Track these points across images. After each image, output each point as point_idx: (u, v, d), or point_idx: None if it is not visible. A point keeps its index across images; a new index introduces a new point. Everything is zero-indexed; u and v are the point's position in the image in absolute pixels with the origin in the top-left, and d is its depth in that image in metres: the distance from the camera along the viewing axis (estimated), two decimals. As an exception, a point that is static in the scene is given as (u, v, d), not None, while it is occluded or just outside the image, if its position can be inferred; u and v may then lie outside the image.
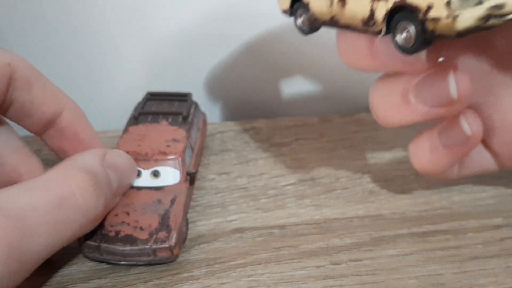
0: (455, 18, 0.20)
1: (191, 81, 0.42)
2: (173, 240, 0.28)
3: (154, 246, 0.27)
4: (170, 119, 0.34)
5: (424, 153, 0.29)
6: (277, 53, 0.41)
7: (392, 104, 0.28)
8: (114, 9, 0.38)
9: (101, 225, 0.28)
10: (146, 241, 0.28)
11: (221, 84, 0.43)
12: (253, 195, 0.34)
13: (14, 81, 0.26)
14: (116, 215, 0.29)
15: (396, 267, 0.29)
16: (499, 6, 0.20)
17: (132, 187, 0.30)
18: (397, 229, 0.31)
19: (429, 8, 0.20)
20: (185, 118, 0.34)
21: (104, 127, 0.39)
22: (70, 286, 0.28)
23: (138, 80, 0.42)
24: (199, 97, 0.42)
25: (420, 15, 0.21)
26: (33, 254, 0.23)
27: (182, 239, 0.29)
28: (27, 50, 0.39)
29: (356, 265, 0.29)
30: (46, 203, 0.23)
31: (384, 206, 0.33)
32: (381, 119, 0.29)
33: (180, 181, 0.31)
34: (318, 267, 0.29)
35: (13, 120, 0.28)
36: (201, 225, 0.32)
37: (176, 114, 0.35)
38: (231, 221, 0.32)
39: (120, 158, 0.30)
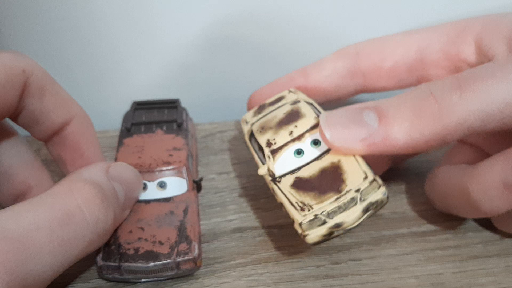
0: (305, 236, 0.25)
1: (190, 82, 0.42)
2: (196, 251, 0.27)
3: (178, 259, 0.27)
4: (164, 128, 0.33)
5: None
6: (280, 55, 0.41)
7: (496, 196, 0.26)
8: (116, 10, 0.38)
9: (117, 244, 0.27)
10: (168, 255, 0.27)
11: (222, 85, 0.43)
12: (253, 195, 0.34)
13: (27, 88, 0.26)
14: (131, 231, 0.28)
15: (396, 267, 0.29)
16: (338, 225, 0.25)
17: (139, 201, 0.29)
18: (396, 228, 0.31)
19: (293, 221, 0.26)
20: (179, 125, 0.34)
21: (104, 127, 0.39)
22: (69, 286, 0.28)
23: (139, 79, 0.42)
24: (199, 97, 0.42)
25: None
26: (38, 276, 0.22)
27: (201, 249, 0.29)
28: (30, 50, 0.39)
29: (356, 264, 0.29)
30: (50, 220, 0.22)
31: (384, 206, 0.33)
32: (485, 211, 0.27)
33: (188, 190, 0.30)
34: (318, 266, 0.29)
35: (22, 127, 0.28)
36: (201, 224, 0.32)
37: (170, 121, 0.34)
38: (231, 220, 0.32)
39: (124, 170, 0.28)
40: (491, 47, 0.29)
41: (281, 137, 0.28)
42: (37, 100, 0.27)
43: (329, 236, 0.25)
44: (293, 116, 0.29)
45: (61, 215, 0.23)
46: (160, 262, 0.27)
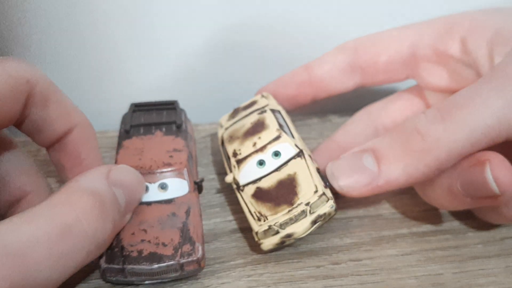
0: (260, 244, 0.28)
1: (191, 82, 0.42)
2: (199, 252, 0.27)
3: (181, 261, 0.27)
4: (164, 129, 0.33)
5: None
6: (281, 57, 0.42)
7: (444, 197, 0.28)
8: (117, 10, 0.38)
9: (120, 247, 0.27)
10: (172, 257, 0.27)
11: (222, 86, 0.43)
12: (253, 195, 0.34)
13: (31, 98, 0.26)
14: (133, 234, 0.28)
15: (396, 267, 0.29)
16: (289, 235, 0.28)
17: (141, 203, 0.29)
18: (396, 229, 0.31)
19: (251, 229, 0.29)
20: (179, 127, 0.33)
21: (104, 127, 0.39)
22: (69, 286, 0.28)
23: (139, 80, 0.42)
24: (199, 98, 0.42)
25: None
26: None
27: (205, 249, 0.29)
28: (30, 50, 0.39)
29: (356, 265, 0.29)
30: (49, 233, 0.22)
31: (384, 206, 0.33)
32: (439, 206, 0.30)
33: (189, 191, 0.30)
34: (318, 267, 0.29)
35: (25, 134, 0.28)
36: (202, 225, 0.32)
37: (169, 123, 0.34)
38: (231, 221, 0.32)
39: (125, 173, 0.28)
40: (474, 49, 0.30)
41: (246, 147, 0.31)
42: (41, 110, 0.27)
43: (281, 244, 0.28)
44: (258, 127, 0.31)
45: (60, 227, 0.23)
46: (164, 264, 0.26)
